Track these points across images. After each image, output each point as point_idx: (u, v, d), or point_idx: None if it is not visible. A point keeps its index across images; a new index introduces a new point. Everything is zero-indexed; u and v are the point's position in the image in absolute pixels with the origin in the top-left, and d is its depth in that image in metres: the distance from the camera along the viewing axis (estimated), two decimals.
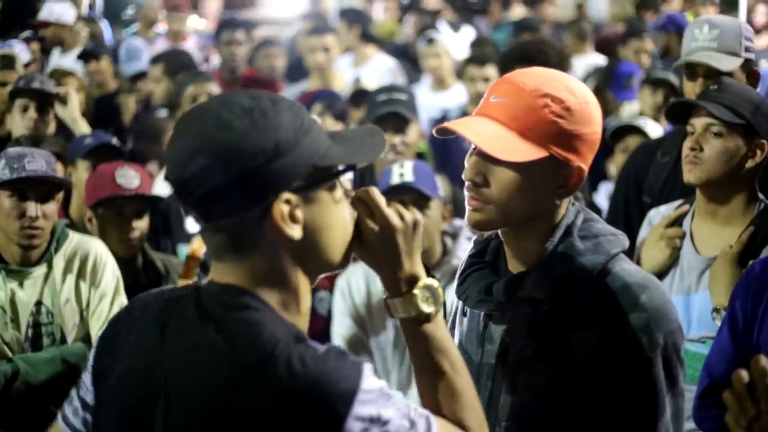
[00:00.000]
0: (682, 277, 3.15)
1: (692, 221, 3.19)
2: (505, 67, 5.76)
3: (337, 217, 1.73)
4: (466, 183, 2.05)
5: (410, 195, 3.56)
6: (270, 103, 1.68)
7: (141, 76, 7.04)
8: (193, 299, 1.71)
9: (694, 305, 3.10)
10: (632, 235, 3.45)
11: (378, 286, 3.61)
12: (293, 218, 1.66)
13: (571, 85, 2.03)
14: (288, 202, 1.66)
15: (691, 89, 3.51)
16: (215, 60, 8.03)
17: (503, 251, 2.12)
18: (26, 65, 6.08)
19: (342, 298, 3.64)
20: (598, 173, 5.77)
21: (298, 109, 1.71)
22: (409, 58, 7.91)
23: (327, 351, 1.63)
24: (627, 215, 3.81)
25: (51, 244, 3.55)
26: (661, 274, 3.18)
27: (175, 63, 6.44)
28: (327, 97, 5.63)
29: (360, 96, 6.00)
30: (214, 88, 5.45)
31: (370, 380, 1.62)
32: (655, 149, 3.87)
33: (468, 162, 2.05)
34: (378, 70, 7.28)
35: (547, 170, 2.00)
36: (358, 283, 3.65)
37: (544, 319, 2.03)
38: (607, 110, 6.05)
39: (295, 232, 1.67)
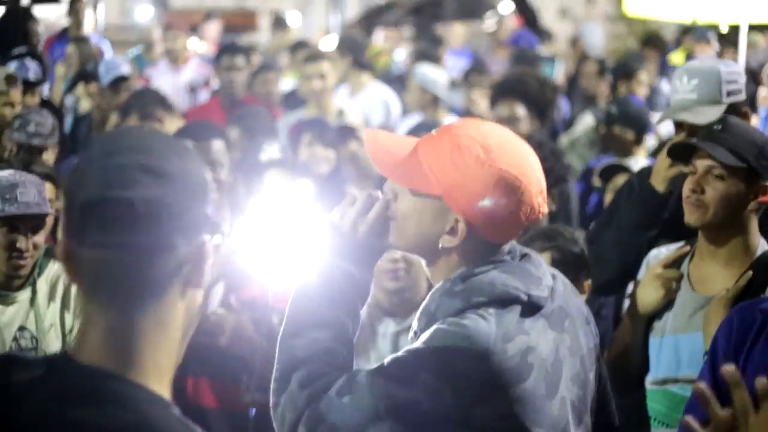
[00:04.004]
0: (676, 317, 3.13)
1: (691, 261, 3.18)
2: (492, 100, 5.89)
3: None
4: None
5: None
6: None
7: (121, 80, 6.94)
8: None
9: (684, 345, 3.09)
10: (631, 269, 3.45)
11: None
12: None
13: None
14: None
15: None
16: (215, 84, 8.06)
17: None
18: (35, 83, 6.09)
19: None
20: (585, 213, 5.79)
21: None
22: (404, 86, 7.95)
23: None
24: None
25: (34, 268, 3.56)
26: (654, 316, 3.18)
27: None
28: (316, 126, 5.64)
29: (346, 133, 6.00)
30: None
31: None
32: None
33: None
34: (373, 99, 7.30)
35: None
36: None
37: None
38: None
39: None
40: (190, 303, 1.57)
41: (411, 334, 2.21)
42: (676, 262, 3.20)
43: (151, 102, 6.10)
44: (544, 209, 2.18)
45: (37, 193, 3.49)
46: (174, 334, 1.56)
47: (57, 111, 6.92)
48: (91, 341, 1.51)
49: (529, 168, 2.15)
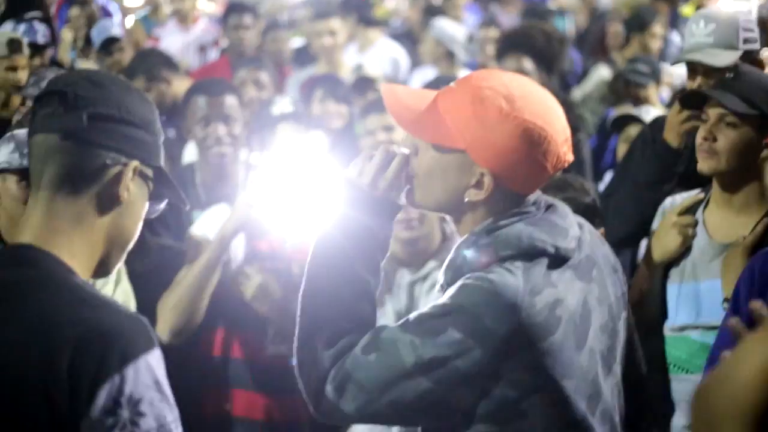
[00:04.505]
0: (693, 264, 3.14)
1: (706, 209, 3.18)
2: (500, 53, 5.85)
3: (138, 216, 1.89)
4: None
5: None
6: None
7: (112, 42, 6.81)
8: None
9: (703, 292, 3.09)
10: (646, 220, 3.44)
11: None
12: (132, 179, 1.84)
13: None
14: (134, 170, 1.83)
15: (692, 87, 3.48)
16: (224, 43, 8.03)
17: None
18: (44, 47, 6.08)
19: None
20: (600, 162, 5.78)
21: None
22: (411, 41, 7.90)
23: None
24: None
25: None
26: (671, 263, 3.18)
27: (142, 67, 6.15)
28: (328, 82, 5.63)
29: (363, 84, 5.99)
30: (264, 77, 5.54)
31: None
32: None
33: None
34: (382, 56, 7.27)
35: None
36: None
37: None
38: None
39: (126, 193, 1.83)
40: (113, 221, 1.83)
41: (437, 287, 2.19)
42: (691, 210, 3.19)
43: (156, 63, 6.09)
44: (569, 157, 2.16)
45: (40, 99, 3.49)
46: (91, 235, 1.81)
47: None
48: (23, 223, 1.84)
49: (553, 117, 2.12)
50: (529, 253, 2.09)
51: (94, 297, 1.73)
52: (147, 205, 1.89)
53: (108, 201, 1.82)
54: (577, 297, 2.12)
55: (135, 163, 1.82)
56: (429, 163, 2.15)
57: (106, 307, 1.71)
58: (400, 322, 2.10)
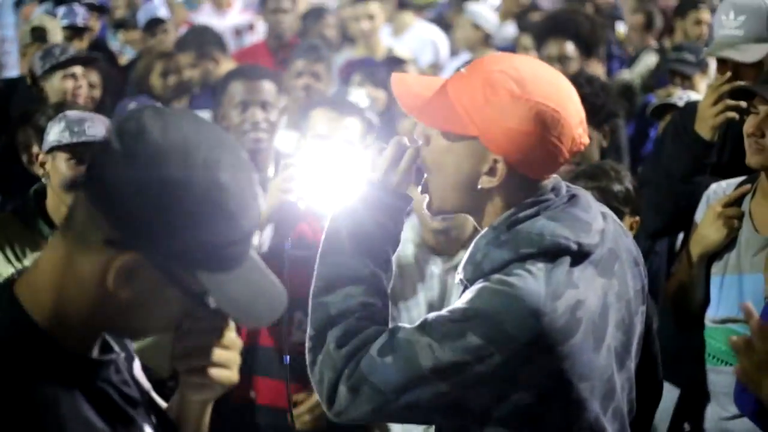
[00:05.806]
0: (738, 257, 3.08)
1: (752, 199, 3.12)
2: (539, 38, 5.75)
3: (162, 317, 1.63)
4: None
5: None
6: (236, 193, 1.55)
7: (157, 23, 6.89)
8: None
9: (747, 286, 3.04)
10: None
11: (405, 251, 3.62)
12: (129, 275, 1.54)
13: None
14: (133, 262, 1.54)
15: (721, 80, 3.42)
16: (260, 28, 8.02)
17: None
18: (83, 29, 6.14)
19: None
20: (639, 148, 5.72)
21: (242, 210, 1.57)
22: (444, 27, 7.85)
23: None
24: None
25: None
26: (715, 254, 3.13)
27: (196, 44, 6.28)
28: (366, 66, 5.62)
29: (391, 65, 5.96)
30: (322, 69, 5.46)
31: None
32: None
33: None
34: (419, 39, 7.23)
35: None
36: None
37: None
38: None
39: (113, 286, 1.55)
40: (109, 304, 1.57)
41: (457, 279, 2.15)
42: (737, 201, 3.14)
43: (209, 41, 6.14)
44: (585, 140, 2.10)
45: (105, 129, 3.51)
46: (73, 291, 1.57)
47: (111, 55, 6.97)
48: (38, 261, 1.64)
49: (566, 98, 2.07)
50: (551, 252, 2.03)
51: None
52: (174, 311, 1.63)
53: (98, 282, 1.56)
54: (598, 295, 2.07)
55: (125, 257, 1.52)
56: (440, 151, 2.11)
57: None
58: (417, 323, 2.05)
